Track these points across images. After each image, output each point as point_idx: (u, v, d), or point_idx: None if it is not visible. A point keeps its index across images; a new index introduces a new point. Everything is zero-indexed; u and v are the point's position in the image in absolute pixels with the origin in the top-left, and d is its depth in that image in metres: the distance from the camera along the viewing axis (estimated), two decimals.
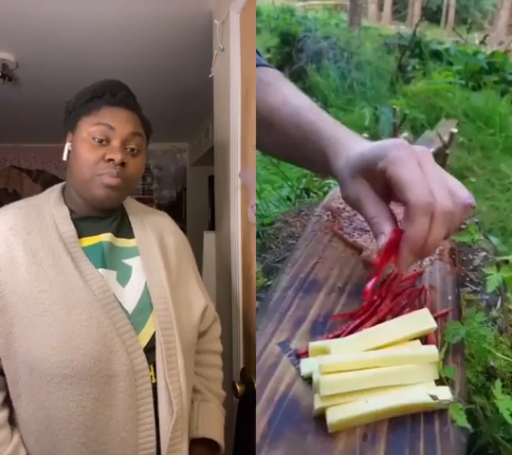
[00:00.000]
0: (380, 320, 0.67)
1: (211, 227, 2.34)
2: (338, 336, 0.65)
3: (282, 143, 0.85)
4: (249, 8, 1.20)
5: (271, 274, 0.90)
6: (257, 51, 0.97)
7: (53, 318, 0.77)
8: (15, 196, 3.86)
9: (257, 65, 0.92)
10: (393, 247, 0.64)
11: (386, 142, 0.67)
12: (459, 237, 0.78)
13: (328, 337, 0.65)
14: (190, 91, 2.36)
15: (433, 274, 0.79)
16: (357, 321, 0.67)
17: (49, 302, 0.78)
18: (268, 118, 0.85)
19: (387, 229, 0.65)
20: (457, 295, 0.76)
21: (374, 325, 0.66)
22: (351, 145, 0.73)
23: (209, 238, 1.73)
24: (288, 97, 0.85)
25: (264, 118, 0.86)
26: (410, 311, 0.68)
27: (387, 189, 0.66)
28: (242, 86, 1.26)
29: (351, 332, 0.65)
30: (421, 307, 0.69)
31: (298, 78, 3.72)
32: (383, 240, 0.64)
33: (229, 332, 1.27)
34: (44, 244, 0.82)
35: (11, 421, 0.81)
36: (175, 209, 3.97)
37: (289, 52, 4.17)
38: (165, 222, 1.03)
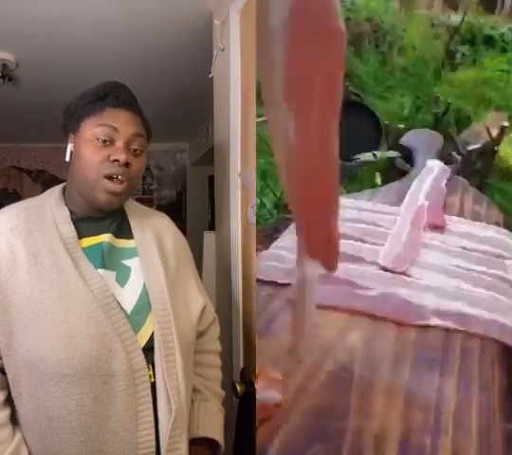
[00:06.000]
0: None
1: (211, 227, 2.33)
2: None
3: None
4: (249, 8, 1.20)
5: None
6: None
7: (53, 318, 0.78)
8: (15, 196, 3.85)
9: None
10: None
11: None
12: None
13: None
14: (190, 91, 2.36)
15: None
16: None
17: (50, 302, 0.78)
18: None
19: None
20: None
21: None
22: None
23: (209, 238, 1.72)
24: None
25: None
26: None
27: None
28: (242, 86, 1.26)
29: None
30: None
31: None
32: None
33: (229, 332, 1.27)
34: (44, 244, 0.83)
35: (14, 420, 0.81)
36: (175, 209, 3.97)
37: None
38: (164, 223, 1.03)
